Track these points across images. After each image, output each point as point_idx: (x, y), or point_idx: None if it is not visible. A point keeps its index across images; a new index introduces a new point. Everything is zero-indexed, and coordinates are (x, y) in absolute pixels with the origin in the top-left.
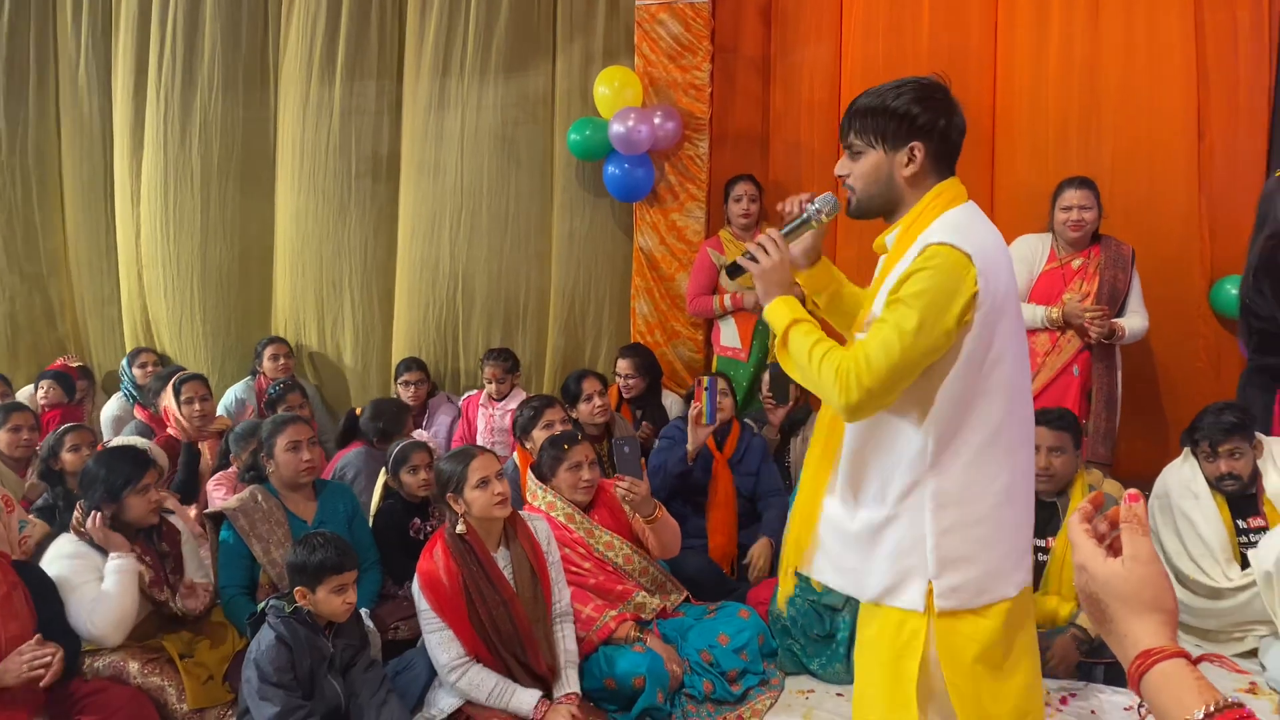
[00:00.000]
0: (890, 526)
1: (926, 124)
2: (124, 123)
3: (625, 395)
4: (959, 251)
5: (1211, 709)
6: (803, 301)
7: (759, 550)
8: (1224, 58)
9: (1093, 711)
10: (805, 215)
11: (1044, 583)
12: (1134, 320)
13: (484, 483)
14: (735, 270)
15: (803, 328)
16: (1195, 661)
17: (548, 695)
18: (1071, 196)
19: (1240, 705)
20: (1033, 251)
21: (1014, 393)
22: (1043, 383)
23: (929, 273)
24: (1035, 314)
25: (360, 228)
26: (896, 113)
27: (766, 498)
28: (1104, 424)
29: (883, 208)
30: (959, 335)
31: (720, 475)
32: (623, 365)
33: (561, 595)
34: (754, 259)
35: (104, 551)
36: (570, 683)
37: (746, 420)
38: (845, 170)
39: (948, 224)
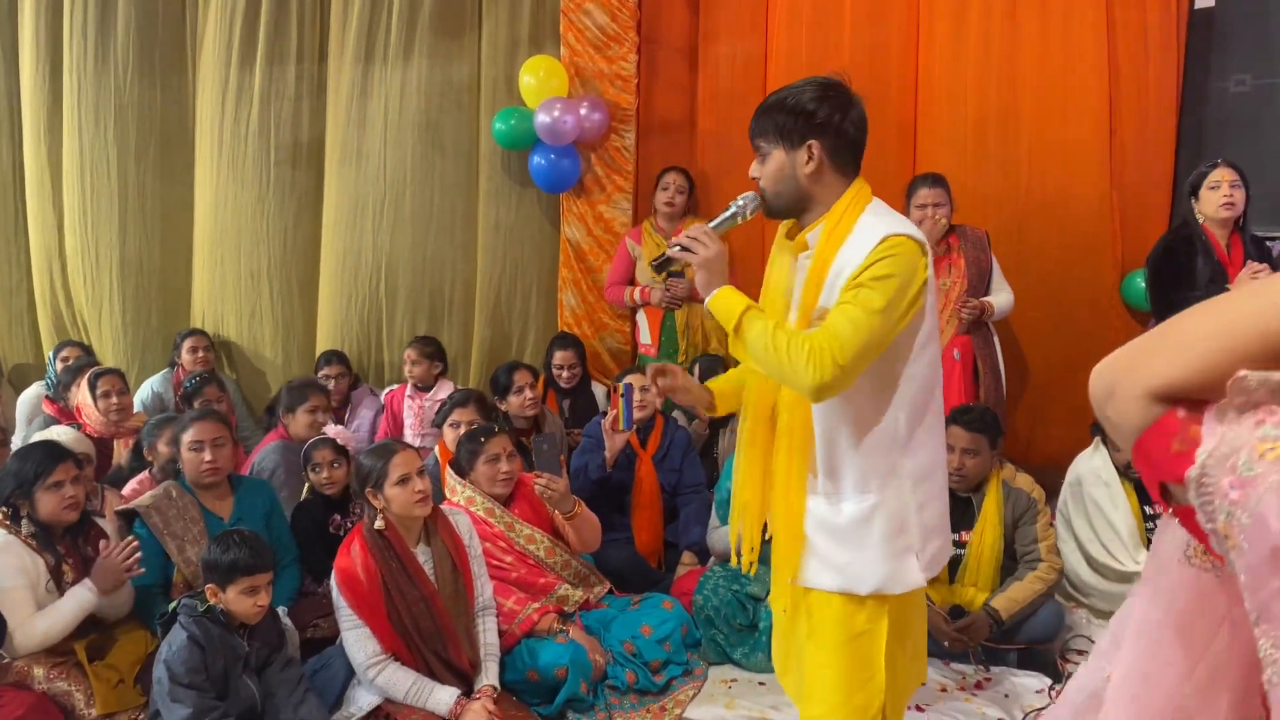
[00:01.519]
0: (878, 512)
1: (823, 121)
2: (35, 107)
3: (566, 386)
4: (914, 241)
5: None
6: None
7: (687, 562)
8: (1134, 56)
9: (1006, 695)
10: (732, 210)
11: (961, 574)
12: (1000, 297)
13: (404, 480)
14: (665, 263)
15: (757, 313)
16: None
17: (468, 691)
18: (926, 195)
19: None
20: None
21: (939, 368)
22: None
23: (892, 259)
24: None
25: (280, 216)
26: (793, 111)
27: (686, 493)
28: (992, 394)
29: (793, 206)
30: (914, 318)
31: (644, 474)
32: (563, 356)
33: (484, 589)
34: (690, 250)
35: (37, 550)
36: (489, 675)
37: (672, 415)
38: (756, 173)
39: (886, 217)
